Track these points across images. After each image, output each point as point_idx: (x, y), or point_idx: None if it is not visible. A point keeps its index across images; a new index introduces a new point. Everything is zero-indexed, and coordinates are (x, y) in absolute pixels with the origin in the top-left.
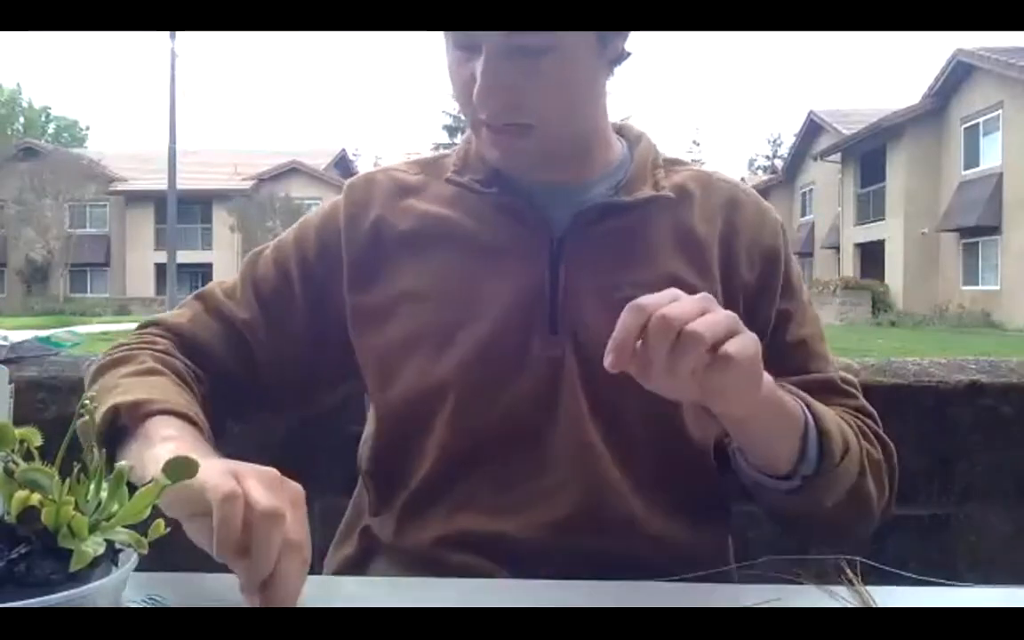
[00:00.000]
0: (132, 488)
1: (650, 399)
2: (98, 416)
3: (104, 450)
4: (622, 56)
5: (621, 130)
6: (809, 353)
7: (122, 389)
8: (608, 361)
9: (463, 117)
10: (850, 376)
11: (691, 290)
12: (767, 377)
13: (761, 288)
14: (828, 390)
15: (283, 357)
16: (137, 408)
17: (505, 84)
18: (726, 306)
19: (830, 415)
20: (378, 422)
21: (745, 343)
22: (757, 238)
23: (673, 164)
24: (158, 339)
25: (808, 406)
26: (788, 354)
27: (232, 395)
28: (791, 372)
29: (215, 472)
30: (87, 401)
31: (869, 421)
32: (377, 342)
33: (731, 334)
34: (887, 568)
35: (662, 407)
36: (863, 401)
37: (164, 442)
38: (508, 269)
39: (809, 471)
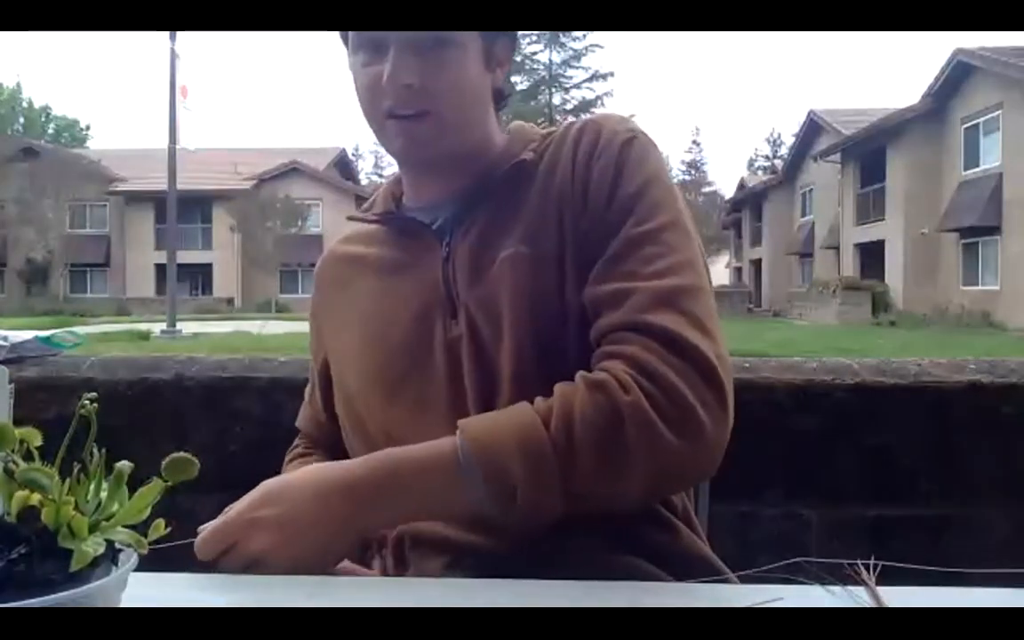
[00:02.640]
0: None
1: (517, 358)
2: None
3: None
4: (504, 92)
5: (511, 131)
6: (617, 257)
7: None
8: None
9: (371, 123)
10: (670, 282)
11: (545, 238)
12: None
13: (592, 200)
14: (616, 303)
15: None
16: None
17: (410, 73)
18: (578, 237)
19: (506, 443)
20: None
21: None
22: (588, 162)
23: (550, 132)
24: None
25: (466, 449)
26: (594, 262)
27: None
28: (595, 277)
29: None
30: (87, 401)
31: (639, 352)
32: (334, 372)
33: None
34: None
35: (526, 364)
36: (648, 318)
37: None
38: (411, 279)
39: (491, 510)
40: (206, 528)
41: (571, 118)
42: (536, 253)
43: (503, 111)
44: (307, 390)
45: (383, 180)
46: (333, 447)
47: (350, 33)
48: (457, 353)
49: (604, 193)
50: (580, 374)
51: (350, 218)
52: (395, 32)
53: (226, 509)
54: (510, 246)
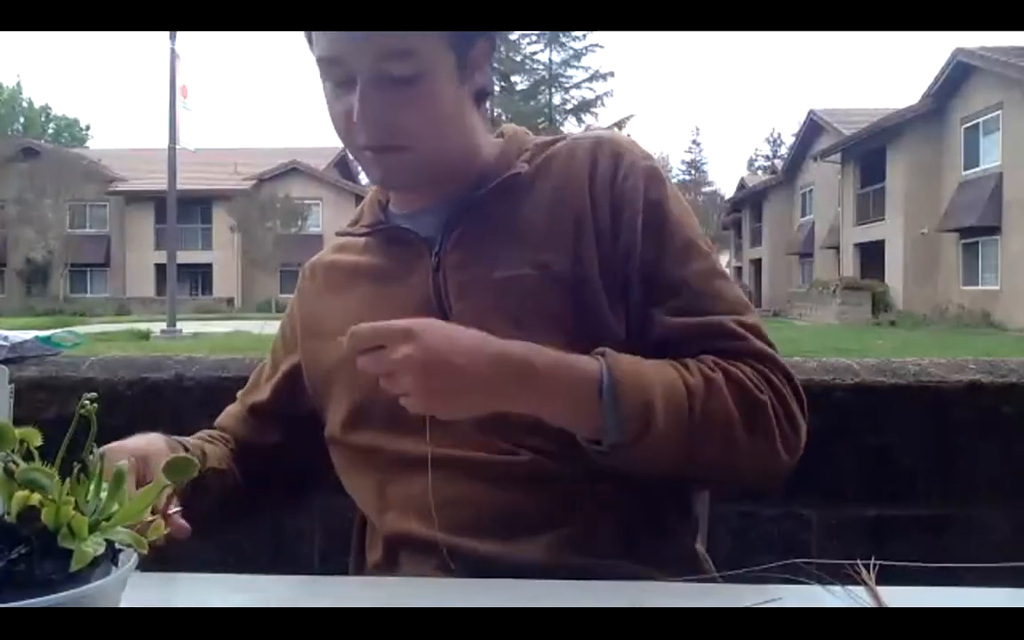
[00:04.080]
0: None
1: None
2: None
3: None
4: (487, 90)
5: (502, 134)
6: (694, 293)
7: None
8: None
9: (348, 149)
10: (749, 318)
11: (557, 259)
12: (515, 360)
13: (620, 234)
14: (715, 335)
15: (286, 414)
16: None
17: (380, 111)
18: (603, 260)
19: (655, 385)
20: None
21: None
22: (611, 185)
23: (548, 143)
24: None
25: (615, 377)
26: (665, 293)
27: (255, 454)
28: (670, 309)
29: None
30: (87, 401)
31: (759, 366)
32: (314, 377)
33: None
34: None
35: None
36: (758, 344)
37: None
38: (403, 289)
39: (617, 440)
40: (364, 325)
41: (572, 118)
42: (546, 274)
43: (507, 111)
44: (242, 392)
45: None
46: (243, 453)
47: (316, 57)
48: None
49: (638, 220)
50: (715, 360)
51: (339, 234)
52: (362, 66)
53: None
54: (513, 265)
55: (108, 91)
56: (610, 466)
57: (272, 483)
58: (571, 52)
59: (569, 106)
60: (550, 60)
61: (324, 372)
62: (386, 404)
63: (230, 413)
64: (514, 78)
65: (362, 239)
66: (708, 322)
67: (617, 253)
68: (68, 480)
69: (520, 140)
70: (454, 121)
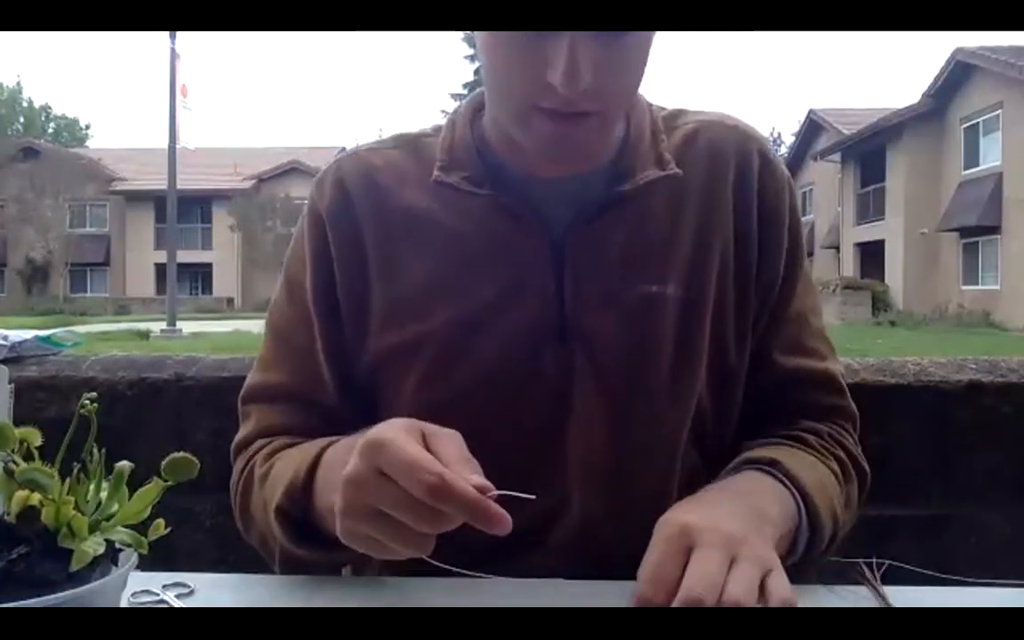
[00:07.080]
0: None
1: (662, 399)
2: (274, 523)
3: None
4: None
5: None
6: (805, 328)
7: (270, 491)
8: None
9: (503, 104)
10: (840, 365)
11: (703, 286)
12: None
13: (765, 248)
14: (826, 388)
15: (336, 379)
16: (295, 486)
17: (590, 66)
18: (739, 266)
19: (833, 509)
20: None
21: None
22: (764, 193)
23: (675, 119)
24: (251, 450)
25: (813, 523)
26: (784, 325)
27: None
28: (785, 346)
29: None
30: (87, 401)
31: (850, 430)
32: (378, 347)
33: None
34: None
35: (674, 408)
36: (850, 403)
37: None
38: (511, 277)
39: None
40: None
41: None
42: (688, 298)
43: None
44: (265, 360)
45: None
46: (329, 419)
47: None
48: (566, 382)
49: (784, 245)
50: (858, 460)
51: (437, 182)
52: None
53: None
54: (653, 280)
55: (108, 91)
56: None
57: None
58: None
59: None
60: None
61: (372, 353)
62: (474, 411)
63: (273, 414)
64: None
65: (423, 176)
66: (821, 372)
67: (752, 277)
68: (68, 480)
69: (648, 115)
70: (640, 83)
